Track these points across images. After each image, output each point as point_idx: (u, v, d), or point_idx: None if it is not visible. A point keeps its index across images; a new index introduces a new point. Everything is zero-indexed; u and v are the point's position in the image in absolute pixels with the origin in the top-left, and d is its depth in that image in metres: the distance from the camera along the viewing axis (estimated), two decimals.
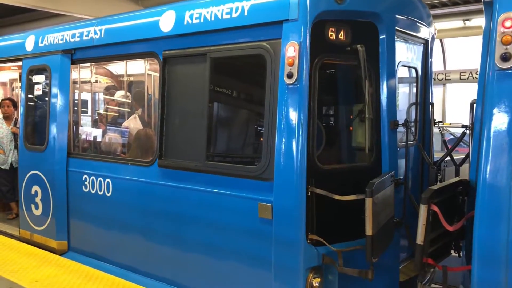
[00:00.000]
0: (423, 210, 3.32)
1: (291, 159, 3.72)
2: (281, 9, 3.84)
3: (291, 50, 3.74)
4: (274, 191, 3.83)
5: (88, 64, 6.29)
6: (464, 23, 14.15)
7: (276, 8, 3.89)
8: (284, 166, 3.75)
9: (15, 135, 7.55)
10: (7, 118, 7.73)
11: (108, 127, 6.64)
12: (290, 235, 3.76)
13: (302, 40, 3.71)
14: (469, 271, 3.25)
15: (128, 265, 5.20)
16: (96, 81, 7.09)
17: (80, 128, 6.65)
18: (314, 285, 3.79)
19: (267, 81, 3.97)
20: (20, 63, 6.71)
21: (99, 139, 6.57)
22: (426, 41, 5.25)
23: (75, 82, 6.30)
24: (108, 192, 5.34)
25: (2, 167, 7.56)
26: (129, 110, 6.57)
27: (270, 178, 3.87)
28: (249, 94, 4.75)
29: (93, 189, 5.52)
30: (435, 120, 5.38)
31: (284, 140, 3.76)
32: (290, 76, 3.74)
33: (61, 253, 5.92)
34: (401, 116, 4.58)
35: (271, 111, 3.92)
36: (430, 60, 5.36)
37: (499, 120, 2.94)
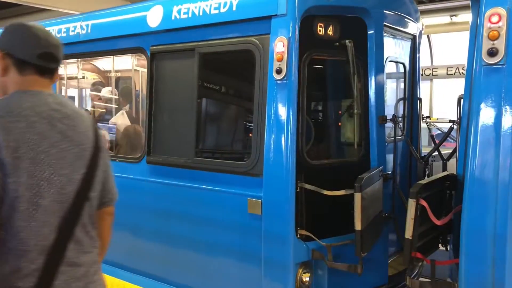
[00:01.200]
0: (411, 204, 3.34)
1: (280, 154, 3.72)
2: (269, 4, 3.83)
3: (279, 46, 3.73)
4: (264, 187, 3.82)
5: (75, 60, 6.22)
6: (451, 19, 14.28)
7: (265, 3, 3.87)
8: (274, 161, 3.75)
9: None
10: None
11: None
12: (279, 231, 3.76)
13: (291, 35, 3.70)
14: (456, 264, 3.28)
15: (117, 262, 5.16)
16: (83, 77, 7.01)
17: None
18: (304, 280, 3.81)
19: (256, 77, 3.95)
20: None
21: None
22: (414, 36, 5.28)
23: (61, 78, 6.22)
24: None
25: None
26: (116, 106, 6.51)
27: (260, 174, 3.86)
28: (238, 89, 4.73)
29: None
30: (422, 115, 5.42)
31: (273, 136, 3.76)
32: (279, 71, 3.73)
33: None
34: (389, 112, 4.61)
35: (260, 106, 3.91)
36: (417, 55, 5.39)
37: (486, 115, 2.96)
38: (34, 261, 1.96)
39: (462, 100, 3.96)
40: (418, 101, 5.33)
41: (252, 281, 3.98)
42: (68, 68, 6.31)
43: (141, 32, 4.79)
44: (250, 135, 4.10)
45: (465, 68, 3.73)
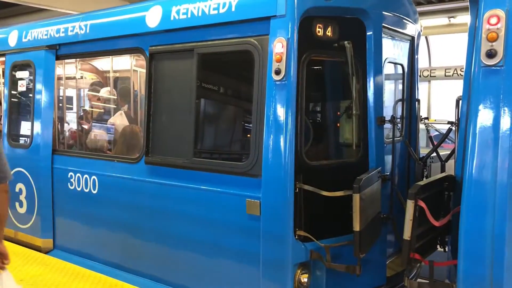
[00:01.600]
0: (410, 205, 3.34)
1: (279, 155, 3.72)
2: (268, 5, 3.83)
3: (278, 46, 3.73)
4: (262, 188, 3.82)
5: (73, 60, 6.21)
6: (449, 20, 14.29)
7: (264, 4, 3.88)
8: (272, 162, 3.75)
9: None
10: None
11: (93, 123, 6.57)
12: (278, 231, 3.76)
13: (289, 36, 3.71)
14: (455, 265, 3.29)
15: (115, 263, 5.16)
16: (81, 77, 7.00)
17: (65, 124, 6.56)
18: (302, 281, 3.81)
19: (254, 78, 3.95)
20: (3, 59, 6.59)
21: (84, 135, 6.49)
22: (412, 38, 5.29)
23: (60, 78, 6.21)
24: (94, 190, 5.29)
25: None
26: (115, 106, 6.51)
27: (258, 174, 3.86)
28: (236, 90, 4.73)
29: (78, 187, 5.45)
30: (421, 116, 5.42)
31: (272, 137, 3.76)
32: (278, 72, 3.74)
33: (47, 252, 5.85)
34: (387, 113, 4.61)
35: (259, 107, 3.91)
36: (416, 56, 5.40)
37: (484, 116, 2.97)
38: None
39: (460, 101, 3.97)
40: (417, 102, 5.33)
41: (250, 282, 3.98)
42: (67, 68, 6.30)
43: (140, 33, 4.79)
44: (249, 135, 4.10)
45: (464, 70, 3.73)
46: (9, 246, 5.93)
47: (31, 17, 16.02)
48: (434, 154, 5.03)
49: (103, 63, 7.05)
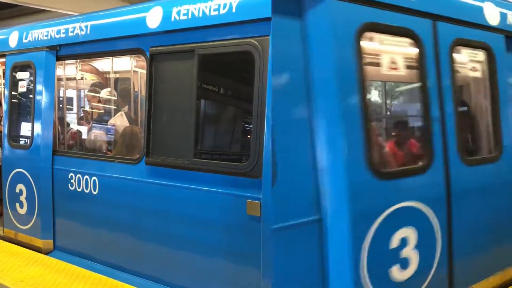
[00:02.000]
0: None
1: None
2: (269, 6, 3.82)
3: None
4: (263, 188, 3.81)
5: (74, 61, 6.22)
6: None
7: (264, 5, 3.87)
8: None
9: None
10: None
11: (94, 124, 6.57)
12: None
13: None
14: None
15: (116, 264, 5.16)
16: (82, 78, 7.01)
17: (66, 125, 6.57)
18: None
19: (255, 78, 3.95)
20: (3, 60, 6.60)
21: (85, 136, 6.50)
22: None
23: (60, 79, 6.22)
24: (94, 190, 5.29)
25: None
26: (115, 107, 6.52)
27: (259, 175, 3.85)
28: (237, 91, 4.74)
29: (79, 187, 5.45)
30: None
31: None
32: None
33: (47, 252, 5.84)
34: None
35: (259, 108, 3.91)
36: None
37: None
38: None
39: None
40: None
41: (251, 282, 3.97)
42: (67, 69, 6.31)
43: (141, 33, 4.79)
44: (249, 136, 4.10)
45: None
46: (9, 247, 5.96)
47: (32, 18, 16.06)
48: None
49: (103, 64, 7.06)
